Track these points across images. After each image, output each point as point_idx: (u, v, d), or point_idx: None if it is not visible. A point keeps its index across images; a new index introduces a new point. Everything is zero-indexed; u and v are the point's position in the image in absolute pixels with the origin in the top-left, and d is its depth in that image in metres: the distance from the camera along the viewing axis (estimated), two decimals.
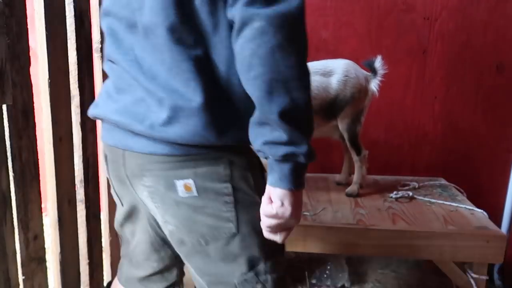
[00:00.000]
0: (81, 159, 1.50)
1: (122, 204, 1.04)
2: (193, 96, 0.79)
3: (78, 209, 1.51)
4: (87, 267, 1.58)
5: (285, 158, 0.79)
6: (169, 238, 0.96)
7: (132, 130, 0.85)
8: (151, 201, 0.90)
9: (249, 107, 0.81)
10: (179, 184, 0.85)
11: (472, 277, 1.58)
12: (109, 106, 0.90)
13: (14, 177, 1.14)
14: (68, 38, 1.40)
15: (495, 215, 2.17)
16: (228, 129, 0.83)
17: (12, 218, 1.14)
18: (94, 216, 1.61)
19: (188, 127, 0.80)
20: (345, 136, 2.00)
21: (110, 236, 1.78)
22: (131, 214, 1.04)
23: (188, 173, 0.85)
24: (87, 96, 1.51)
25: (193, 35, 0.80)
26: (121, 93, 0.88)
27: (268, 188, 0.84)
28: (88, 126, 1.53)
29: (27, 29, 1.15)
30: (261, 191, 0.87)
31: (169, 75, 0.81)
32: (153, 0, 0.79)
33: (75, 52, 1.43)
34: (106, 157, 0.98)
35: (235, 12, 0.74)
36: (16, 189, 1.14)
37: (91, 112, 0.96)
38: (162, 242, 1.04)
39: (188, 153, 0.84)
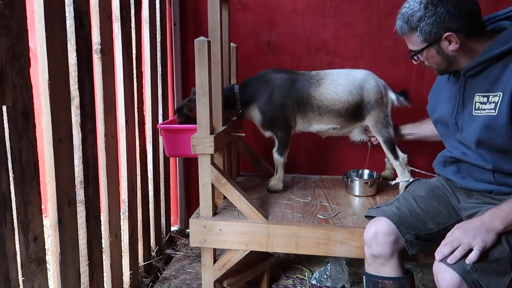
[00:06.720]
0: (81, 160, 1.50)
1: None
2: None
3: (78, 210, 1.52)
4: (87, 268, 1.58)
5: None
6: None
7: None
8: None
9: None
10: None
11: None
12: None
13: (14, 178, 1.13)
14: (68, 39, 1.40)
15: None
16: None
17: (12, 219, 1.14)
18: (94, 217, 1.61)
19: None
20: (380, 139, 2.11)
21: (110, 237, 1.78)
22: None
23: None
24: (87, 97, 1.51)
25: None
26: None
27: None
28: (88, 127, 1.52)
29: (27, 30, 1.15)
30: None
31: None
32: None
33: (75, 53, 1.43)
34: None
35: None
36: (16, 190, 1.14)
37: None
38: None
39: None
